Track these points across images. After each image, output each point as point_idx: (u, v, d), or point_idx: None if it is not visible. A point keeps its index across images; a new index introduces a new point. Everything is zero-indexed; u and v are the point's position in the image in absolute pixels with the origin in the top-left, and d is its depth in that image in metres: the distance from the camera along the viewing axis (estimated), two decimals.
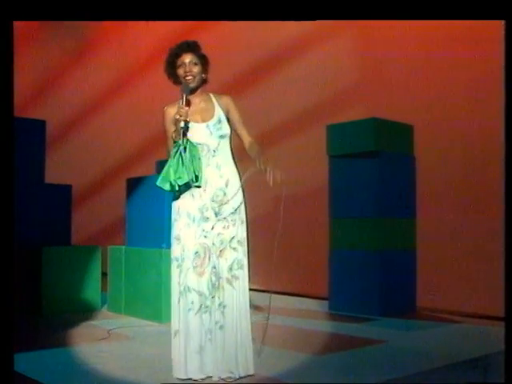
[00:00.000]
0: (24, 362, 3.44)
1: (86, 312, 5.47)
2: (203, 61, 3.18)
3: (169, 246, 3.22)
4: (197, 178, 3.00)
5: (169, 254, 3.20)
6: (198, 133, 3.09)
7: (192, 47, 3.17)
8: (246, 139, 3.24)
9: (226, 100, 3.24)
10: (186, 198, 3.07)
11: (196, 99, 3.19)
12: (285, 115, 7.45)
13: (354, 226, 5.65)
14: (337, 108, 6.83)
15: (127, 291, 5.37)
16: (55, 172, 7.02)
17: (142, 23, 6.07)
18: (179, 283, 3.02)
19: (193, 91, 3.15)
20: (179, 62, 3.15)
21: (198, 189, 3.05)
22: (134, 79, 8.57)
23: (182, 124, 2.99)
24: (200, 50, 3.20)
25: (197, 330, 2.98)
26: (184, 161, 2.96)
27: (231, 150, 3.19)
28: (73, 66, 10.12)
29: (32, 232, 5.74)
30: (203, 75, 3.18)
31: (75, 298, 5.56)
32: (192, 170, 2.96)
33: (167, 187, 3.00)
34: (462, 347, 4.07)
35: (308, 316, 5.50)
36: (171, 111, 3.13)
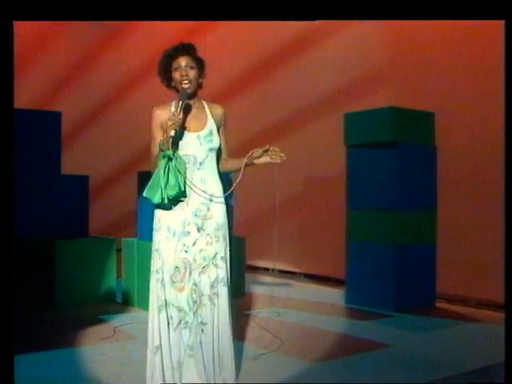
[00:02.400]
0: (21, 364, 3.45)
1: (99, 304, 5.48)
2: (200, 64, 3.00)
3: None
4: (184, 193, 2.87)
5: None
6: (187, 143, 2.92)
7: (188, 49, 2.98)
8: (224, 155, 3.11)
9: (221, 111, 3.10)
10: (167, 211, 2.93)
11: (190, 106, 3.00)
12: (303, 103, 7.35)
13: (371, 218, 5.54)
14: (358, 96, 6.70)
15: (140, 284, 5.35)
16: (74, 164, 7.05)
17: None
18: (158, 297, 2.92)
19: (189, 97, 2.98)
20: (175, 65, 2.96)
21: (180, 202, 2.91)
22: (150, 74, 8.55)
23: (173, 133, 2.79)
24: (196, 53, 3.01)
25: (176, 346, 2.88)
26: (174, 173, 2.81)
27: (217, 164, 3.03)
28: (92, 61, 10.12)
29: (48, 223, 5.77)
30: (200, 80, 3.01)
31: (89, 290, 5.58)
32: (181, 185, 2.82)
33: (156, 199, 2.84)
34: (476, 352, 3.96)
35: (321, 311, 5.42)
36: (161, 114, 2.98)
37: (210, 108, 3.07)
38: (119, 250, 5.91)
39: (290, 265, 8.01)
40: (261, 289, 6.58)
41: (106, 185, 9.50)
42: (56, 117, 6.12)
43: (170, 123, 2.80)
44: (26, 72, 10.36)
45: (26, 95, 9.94)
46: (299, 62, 7.46)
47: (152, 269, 2.98)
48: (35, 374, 3.46)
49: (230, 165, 3.11)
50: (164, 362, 2.88)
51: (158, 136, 2.95)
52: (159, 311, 2.91)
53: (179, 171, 2.81)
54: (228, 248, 3.03)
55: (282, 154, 2.97)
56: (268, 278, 7.60)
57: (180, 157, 2.87)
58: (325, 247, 7.11)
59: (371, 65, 6.67)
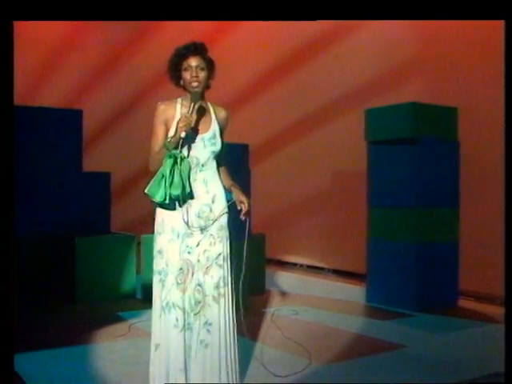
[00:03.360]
0: (33, 362, 3.56)
1: (120, 300, 5.52)
2: (210, 66, 2.95)
3: None
4: (189, 193, 2.86)
5: None
6: (191, 144, 2.90)
7: (200, 50, 2.93)
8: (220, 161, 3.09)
9: (224, 115, 3.08)
10: (170, 212, 2.90)
11: (200, 108, 2.97)
12: (324, 100, 7.29)
13: (393, 216, 5.44)
14: (383, 92, 6.61)
15: None
16: (101, 162, 7.15)
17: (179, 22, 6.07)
18: (161, 298, 2.89)
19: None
20: (185, 65, 2.91)
21: (183, 203, 2.88)
22: None
23: (184, 135, 2.77)
24: (207, 54, 2.96)
25: (181, 348, 2.86)
26: (180, 174, 2.79)
27: (217, 166, 3.01)
28: (119, 60, 10.22)
29: (70, 220, 5.84)
30: (209, 81, 2.97)
31: (109, 287, 5.62)
32: (186, 184, 2.81)
33: (159, 198, 2.81)
34: (495, 355, 3.81)
35: (340, 309, 5.34)
36: (165, 110, 2.95)
37: (214, 110, 3.04)
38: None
39: (317, 260, 7.99)
40: (284, 285, 6.55)
41: (131, 182, 9.57)
42: (77, 114, 6.19)
43: (181, 124, 2.78)
44: (56, 71, 10.54)
45: (56, 94, 10.12)
46: (325, 58, 7.42)
47: (154, 270, 2.95)
48: (44, 371, 3.50)
49: (222, 175, 3.08)
50: (166, 363, 2.86)
51: (160, 132, 2.94)
52: (161, 313, 2.89)
53: (184, 172, 2.80)
54: (229, 247, 3.01)
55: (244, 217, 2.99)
56: (295, 274, 7.59)
57: (186, 158, 2.85)
58: (352, 243, 7.04)
59: (397, 60, 6.58)
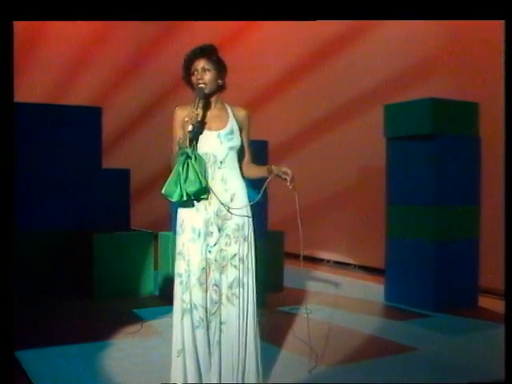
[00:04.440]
0: (40, 359, 3.61)
1: (137, 297, 5.56)
2: (218, 66, 2.94)
3: None
4: (205, 189, 2.83)
5: None
6: (208, 141, 2.89)
7: (205, 52, 2.92)
8: (246, 160, 3.08)
9: (244, 113, 3.05)
10: (190, 210, 2.89)
11: (210, 106, 2.97)
12: (348, 97, 7.26)
13: (411, 214, 5.34)
14: (406, 88, 6.52)
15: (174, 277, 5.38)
16: (127, 160, 7.22)
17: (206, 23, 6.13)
18: (183, 300, 2.86)
19: (208, 97, 2.94)
20: (192, 69, 2.93)
21: (202, 202, 2.87)
22: None
23: (190, 128, 2.77)
24: (215, 55, 2.95)
25: (204, 347, 2.85)
26: (194, 170, 2.77)
27: (239, 164, 3.00)
28: (145, 60, 10.31)
29: (90, 216, 5.91)
30: (219, 81, 2.95)
31: (127, 283, 5.65)
32: (201, 180, 2.78)
33: (176, 196, 2.79)
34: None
35: (356, 308, 5.27)
36: (182, 113, 2.93)
37: (232, 110, 3.03)
38: None
39: (344, 256, 7.95)
40: (305, 282, 6.51)
41: (153, 180, 9.66)
42: (97, 112, 6.24)
43: (186, 119, 2.79)
44: (85, 70, 10.67)
45: (86, 92, 10.25)
46: (347, 56, 7.41)
47: (175, 272, 2.93)
48: (49, 368, 3.54)
49: (252, 171, 3.08)
50: (187, 365, 2.85)
51: (179, 134, 2.93)
52: (183, 315, 2.86)
53: (201, 166, 2.80)
54: (251, 248, 2.97)
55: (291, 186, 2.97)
56: (318, 271, 7.54)
57: (198, 154, 2.84)
58: (378, 239, 6.98)
59: (418, 56, 6.47)
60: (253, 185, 3.10)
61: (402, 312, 5.10)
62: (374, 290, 6.07)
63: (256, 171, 3.08)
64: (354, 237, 7.69)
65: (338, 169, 7.76)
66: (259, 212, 5.39)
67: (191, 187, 2.78)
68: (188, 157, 2.79)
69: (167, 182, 2.83)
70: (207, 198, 2.87)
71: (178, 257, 2.91)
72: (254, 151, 6.83)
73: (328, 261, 8.28)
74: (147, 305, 5.32)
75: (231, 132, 2.94)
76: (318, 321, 4.76)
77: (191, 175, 2.78)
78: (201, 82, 2.89)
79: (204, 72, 2.90)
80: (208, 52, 2.94)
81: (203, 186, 2.80)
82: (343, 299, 5.71)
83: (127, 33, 10.00)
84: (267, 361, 3.60)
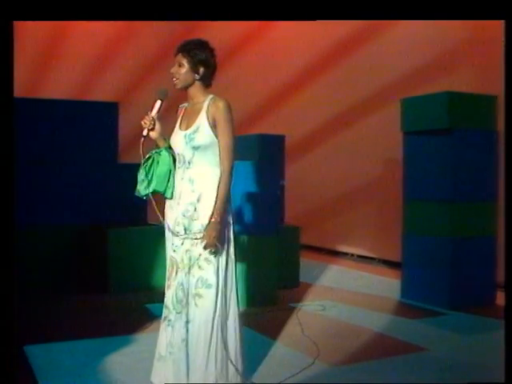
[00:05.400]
0: (46, 353, 3.66)
1: (152, 291, 5.57)
2: (194, 60, 2.87)
3: None
4: (165, 191, 2.92)
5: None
6: (178, 142, 2.91)
7: (182, 47, 2.90)
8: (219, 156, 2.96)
9: (215, 106, 2.86)
10: (167, 209, 2.97)
11: (189, 103, 2.98)
12: (368, 91, 7.20)
13: (427, 210, 5.26)
14: (427, 82, 6.43)
15: None
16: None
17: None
18: None
19: (190, 92, 2.95)
20: None
21: (174, 201, 2.92)
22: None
23: (145, 133, 2.84)
24: (193, 49, 2.87)
25: (163, 341, 2.97)
26: (158, 166, 2.89)
27: (215, 162, 2.90)
28: (162, 57, 10.35)
29: (106, 212, 5.95)
30: (195, 75, 2.89)
31: (141, 277, 5.68)
32: (160, 182, 2.88)
33: (142, 191, 2.97)
34: None
35: (370, 305, 5.21)
36: (180, 111, 3.03)
37: (209, 104, 2.90)
38: None
39: (368, 250, 7.91)
40: (323, 278, 6.48)
41: None
42: (113, 107, 6.27)
43: (142, 123, 2.88)
44: (109, 66, 10.74)
45: (109, 88, 10.32)
46: (365, 53, 7.48)
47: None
48: (54, 363, 3.58)
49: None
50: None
51: None
52: None
53: (163, 167, 2.89)
54: (223, 250, 2.90)
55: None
56: (342, 265, 7.51)
57: (164, 151, 2.93)
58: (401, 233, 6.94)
59: (437, 52, 6.38)
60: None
61: (417, 310, 5.03)
62: (392, 286, 5.98)
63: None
64: (377, 231, 7.65)
65: (363, 162, 7.74)
66: (273, 208, 5.41)
67: (143, 188, 2.95)
68: (150, 158, 2.92)
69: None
70: (170, 198, 2.94)
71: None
72: (271, 145, 6.86)
73: (352, 255, 8.25)
74: (160, 300, 5.32)
75: (195, 131, 2.86)
76: (329, 318, 4.75)
77: (155, 171, 2.92)
78: (172, 76, 2.90)
79: (177, 67, 2.90)
80: (185, 46, 2.90)
81: (155, 189, 2.92)
82: (358, 295, 5.66)
83: (151, 31, 10.02)
84: (270, 358, 3.63)
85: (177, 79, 2.89)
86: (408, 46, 6.75)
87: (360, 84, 7.59)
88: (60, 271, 5.69)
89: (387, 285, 6.18)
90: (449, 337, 4.26)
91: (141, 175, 2.93)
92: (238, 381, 2.93)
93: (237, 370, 2.92)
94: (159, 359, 2.98)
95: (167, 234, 2.98)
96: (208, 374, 2.86)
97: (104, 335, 4.15)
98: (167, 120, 3.09)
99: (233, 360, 2.91)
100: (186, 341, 2.86)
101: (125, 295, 5.43)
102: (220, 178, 2.86)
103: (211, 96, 2.94)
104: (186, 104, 3.04)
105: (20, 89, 9.21)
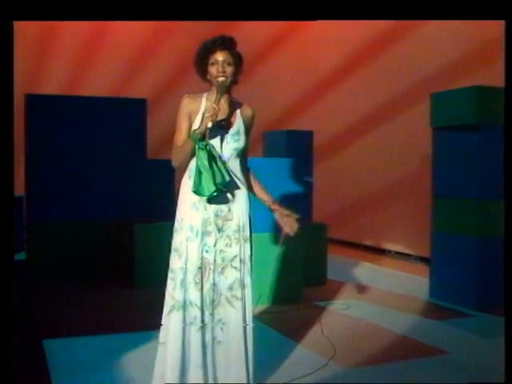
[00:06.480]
0: (62, 348, 3.72)
1: None
2: (238, 61, 2.85)
3: None
4: (228, 182, 2.78)
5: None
6: (214, 140, 2.82)
7: (228, 44, 2.83)
8: (244, 163, 2.98)
9: (250, 113, 2.95)
10: (190, 209, 2.85)
11: (215, 98, 2.83)
12: (400, 88, 7.08)
13: (458, 208, 5.09)
14: (453, 79, 6.26)
15: None
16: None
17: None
18: (172, 296, 2.85)
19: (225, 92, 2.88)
20: (212, 60, 2.82)
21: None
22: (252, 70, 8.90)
23: (210, 125, 2.70)
24: (235, 48, 2.86)
25: (198, 345, 2.81)
26: (217, 161, 2.74)
27: (242, 167, 2.92)
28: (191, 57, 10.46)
29: (135, 207, 6.02)
30: (236, 76, 2.87)
31: (166, 272, 5.69)
32: (224, 173, 2.74)
33: (207, 192, 2.73)
34: None
35: (396, 305, 5.08)
36: (190, 103, 2.87)
37: (240, 108, 2.94)
38: None
39: (405, 247, 7.78)
40: (352, 276, 6.39)
41: None
42: (142, 103, 6.32)
43: (207, 114, 2.72)
44: (142, 65, 10.84)
45: (148, 87, 10.42)
46: (394, 52, 7.49)
47: (169, 267, 2.92)
48: (70, 358, 3.64)
49: (257, 191, 3.04)
50: (169, 361, 2.83)
51: (184, 126, 2.87)
52: (170, 311, 2.85)
53: (218, 160, 2.75)
54: (249, 249, 2.90)
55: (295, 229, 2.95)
56: (376, 262, 7.41)
57: (214, 148, 2.80)
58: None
59: (467, 48, 6.22)
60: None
61: (443, 310, 4.90)
62: (423, 285, 5.82)
63: (259, 193, 3.04)
64: (415, 227, 7.49)
65: (400, 158, 7.63)
66: (299, 205, 5.34)
67: (219, 179, 2.73)
68: (210, 150, 2.75)
69: (195, 180, 2.76)
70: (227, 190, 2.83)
71: (173, 253, 2.89)
72: (299, 142, 6.82)
73: (389, 251, 8.11)
74: None
75: (237, 133, 2.87)
76: (351, 317, 4.66)
77: (216, 168, 2.74)
78: (221, 74, 2.81)
79: (226, 65, 2.82)
80: (231, 45, 2.85)
81: (226, 178, 2.75)
82: (386, 294, 5.55)
83: (181, 30, 10.06)
84: (284, 357, 3.59)
85: (226, 77, 2.82)
86: (439, 43, 6.64)
87: (392, 82, 7.56)
88: (87, 267, 5.79)
89: (418, 283, 6.01)
90: (471, 339, 4.13)
91: (210, 170, 2.73)
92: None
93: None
94: (200, 366, 2.81)
95: (190, 234, 2.84)
96: (242, 375, 2.85)
97: (124, 331, 4.19)
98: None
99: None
100: (218, 339, 2.83)
101: (150, 291, 5.45)
102: (252, 174, 3.00)
103: (237, 100, 2.95)
104: (194, 95, 2.93)
105: (59, 86, 9.46)
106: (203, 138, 2.75)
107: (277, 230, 4.94)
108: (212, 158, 2.74)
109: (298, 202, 5.13)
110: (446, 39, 6.54)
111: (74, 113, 6.01)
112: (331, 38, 8.55)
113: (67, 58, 9.97)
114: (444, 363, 3.60)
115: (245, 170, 2.98)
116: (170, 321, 2.84)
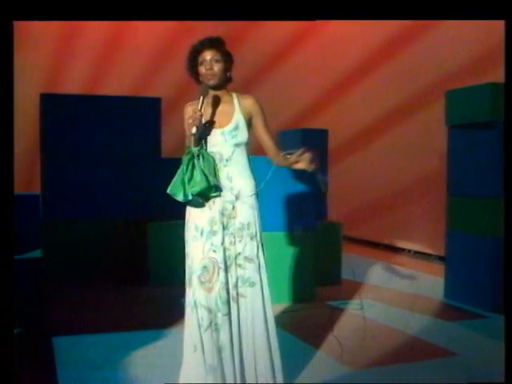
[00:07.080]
0: (71, 346, 3.72)
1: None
2: (227, 58, 2.88)
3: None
4: (214, 188, 2.78)
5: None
6: (213, 139, 2.84)
7: (215, 43, 2.87)
8: (271, 148, 2.97)
9: (249, 102, 2.92)
10: (195, 209, 2.87)
11: (218, 101, 2.89)
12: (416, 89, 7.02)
13: (471, 207, 5.01)
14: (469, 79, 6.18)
15: None
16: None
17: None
18: (188, 296, 2.85)
19: (216, 89, 2.88)
20: (200, 59, 2.85)
21: (208, 200, 2.83)
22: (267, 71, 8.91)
23: (194, 130, 2.72)
24: (224, 47, 2.89)
25: (209, 348, 2.78)
26: (199, 169, 2.74)
27: (248, 159, 2.92)
28: None
29: (146, 205, 6.03)
30: (227, 74, 2.89)
31: (181, 272, 5.70)
32: (209, 179, 2.74)
33: (180, 196, 2.81)
34: None
35: (410, 306, 4.98)
36: (188, 110, 2.89)
37: (239, 100, 2.93)
38: None
39: (425, 246, 7.70)
40: (368, 275, 6.33)
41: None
42: (156, 102, 6.34)
43: (190, 121, 2.75)
44: (163, 65, 10.88)
45: (166, 86, 10.47)
46: (417, 47, 7.46)
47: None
48: (77, 356, 3.66)
49: (279, 160, 3.01)
50: (198, 363, 2.82)
51: (187, 133, 2.88)
52: (191, 310, 2.84)
53: (206, 167, 2.75)
54: (256, 246, 2.88)
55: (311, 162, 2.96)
56: (395, 261, 7.36)
57: (207, 153, 2.80)
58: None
59: (491, 43, 6.10)
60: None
61: (457, 311, 4.81)
62: (439, 285, 5.73)
63: (282, 162, 3.01)
64: (434, 226, 7.39)
65: (418, 157, 7.54)
66: (312, 204, 5.30)
67: (195, 187, 2.76)
68: (193, 156, 2.76)
69: (172, 181, 2.86)
70: (219, 196, 2.83)
71: (185, 253, 2.92)
72: (314, 140, 6.78)
73: (409, 251, 8.03)
74: None
75: (235, 128, 2.87)
76: (364, 318, 4.59)
77: (196, 175, 2.75)
78: (210, 72, 2.83)
79: (214, 62, 2.84)
80: (217, 43, 2.88)
81: (211, 184, 2.75)
82: (401, 295, 5.47)
83: (201, 30, 10.10)
84: (289, 357, 3.53)
85: (215, 75, 2.84)
86: (454, 43, 6.63)
87: (408, 81, 7.55)
88: (101, 265, 5.83)
89: (435, 284, 5.90)
90: (483, 341, 4.04)
91: (186, 176, 2.80)
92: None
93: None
94: (214, 369, 2.78)
95: (195, 234, 2.86)
96: (259, 375, 2.85)
97: (135, 329, 4.21)
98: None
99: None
100: (232, 341, 2.81)
101: (163, 289, 5.48)
102: (276, 152, 2.98)
103: (235, 93, 2.95)
104: (193, 102, 2.93)
105: (79, 85, 9.54)
106: (198, 142, 2.77)
107: (288, 229, 4.97)
108: (194, 165, 2.76)
109: (308, 201, 5.11)
110: (462, 39, 6.49)
111: (88, 112, 6.06)
112: (348, 39, 8.55)
113: (87, 58, 10.06)
114: (453, 365, 3.54)
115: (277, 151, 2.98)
116: (190, 320, 2.84)
